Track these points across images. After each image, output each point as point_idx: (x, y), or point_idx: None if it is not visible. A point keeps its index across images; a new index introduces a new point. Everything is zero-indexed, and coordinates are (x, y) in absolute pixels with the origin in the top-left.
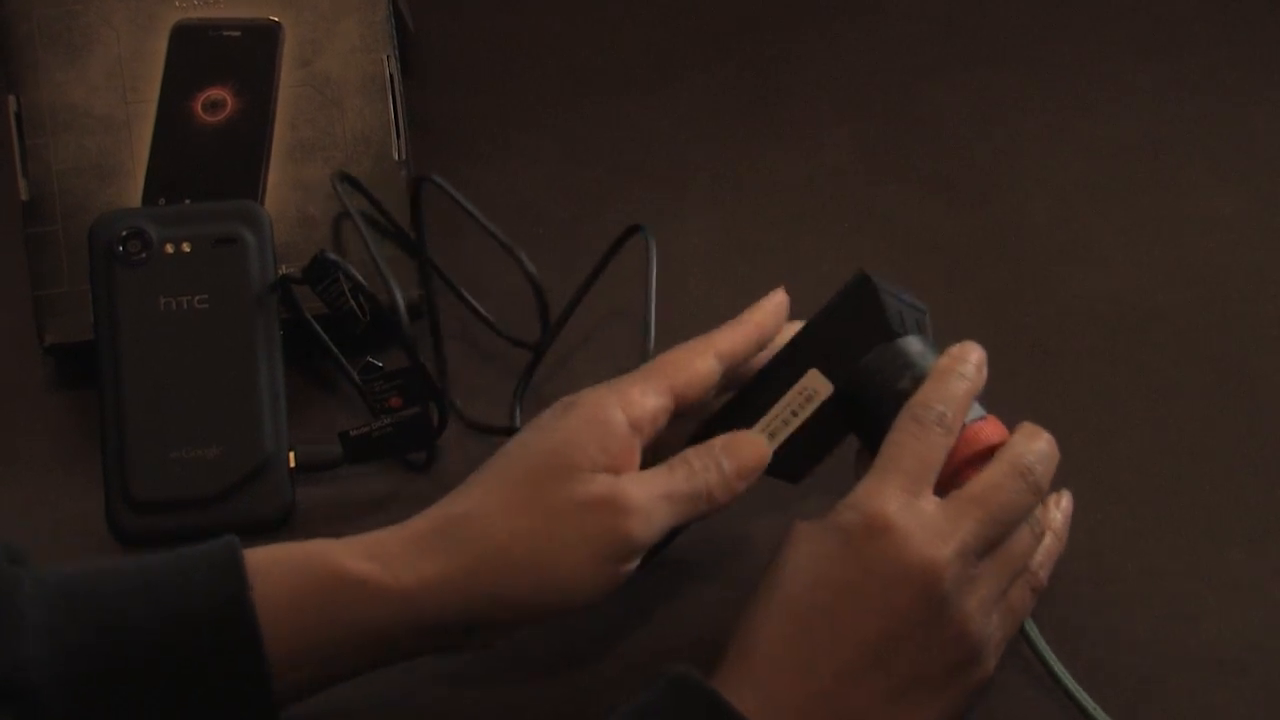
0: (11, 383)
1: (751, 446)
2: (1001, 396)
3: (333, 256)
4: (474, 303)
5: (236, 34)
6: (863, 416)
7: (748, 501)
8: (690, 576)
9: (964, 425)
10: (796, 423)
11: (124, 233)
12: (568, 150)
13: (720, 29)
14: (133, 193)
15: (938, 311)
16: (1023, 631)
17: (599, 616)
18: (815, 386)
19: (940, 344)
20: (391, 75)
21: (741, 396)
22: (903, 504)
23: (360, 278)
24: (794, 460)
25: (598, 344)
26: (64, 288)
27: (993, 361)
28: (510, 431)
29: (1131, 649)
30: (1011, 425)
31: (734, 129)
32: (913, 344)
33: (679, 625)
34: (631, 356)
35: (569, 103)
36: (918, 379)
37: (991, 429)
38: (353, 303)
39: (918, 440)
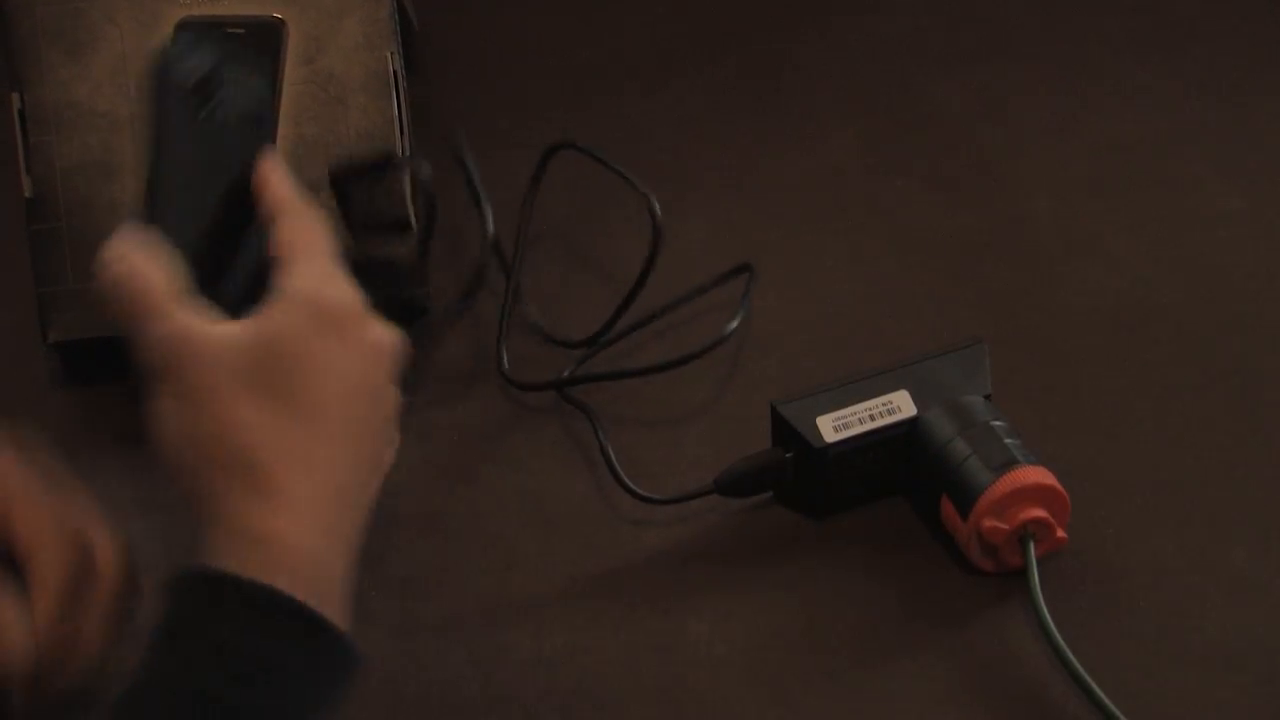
0: (15, 380)
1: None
2: (1004, 394)
3: (408, 158)
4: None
5: (240, 31)
6: (920, 454)
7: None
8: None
9: (1014, 466)
10: (868, 427)
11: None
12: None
13: (722, 26)
14: (136, 190)
15: (940, 308)
16: (1041, 624)
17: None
18: (901, 404)
19: (942, 339)
20: (395, 73)
21: (830, 392)
22: None
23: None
24: (838, 475)
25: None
26: (67, 285)
27: (996, 357)
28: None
29: (1134, 646)
30: (1020, 422)
31: (736, 126)
32: (986, 410)
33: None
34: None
35: (571, 100)
36: (968, 436)
37: (1037, 472)
38: (409, 209)
39: None
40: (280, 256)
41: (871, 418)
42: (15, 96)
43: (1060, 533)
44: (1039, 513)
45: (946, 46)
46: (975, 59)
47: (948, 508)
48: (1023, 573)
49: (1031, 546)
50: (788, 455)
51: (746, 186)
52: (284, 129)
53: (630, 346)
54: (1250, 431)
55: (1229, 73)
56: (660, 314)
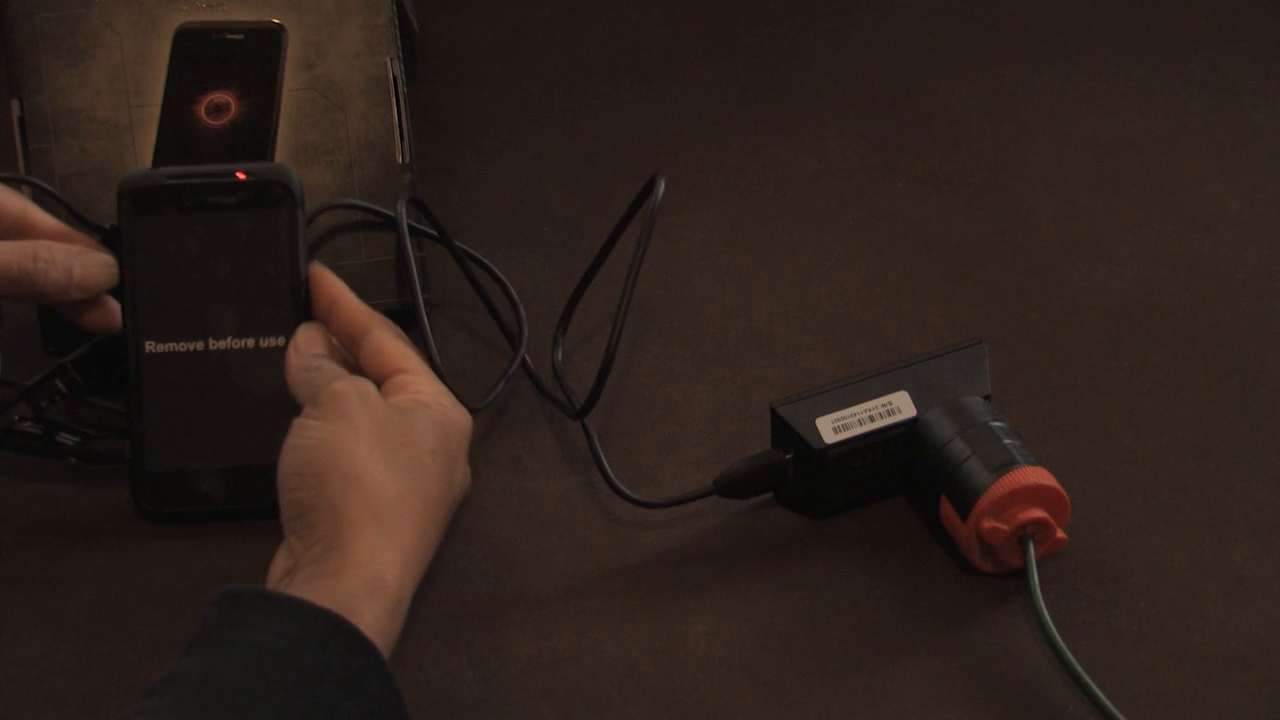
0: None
1: (100, 267)
2: (1007, 392)
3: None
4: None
5: (240, 37)
6: (919, 455)
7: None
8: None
9: (1013, 466)
10: (868, 428)
11: None
12: (573, 147)
13: (724, 23)
14: None
15: (940, 308)
16: (1042, 627)
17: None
18: (900, 405)
19: (942, 339)
20: (395, 78)
21: (830, 392)
22: None
23: None
24: (838, 476)
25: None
26: None
27: (997, 357)
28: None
29: (1134, 646)
30: (1020, 422)
31: (738, 123)
32: (986, 410)
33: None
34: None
35: (574, 99)
36: (968, 436)
37: (1037, 473)
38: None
39: None
40: (393, 365)
41: (871, 419)
42: (15, 103)
43: (1060, 533)
44: (1038, 513)
45: (948, 45)
46: (977, 58)
47: (947, 508)
48: (1022, 573)
49: (1031, 547)
50: (787, 456)
51: (747, 184)
52: (284, 136)
53: (631, 345)
54: (1250, 431)
55: (1231, 72)
56: (594, 271)
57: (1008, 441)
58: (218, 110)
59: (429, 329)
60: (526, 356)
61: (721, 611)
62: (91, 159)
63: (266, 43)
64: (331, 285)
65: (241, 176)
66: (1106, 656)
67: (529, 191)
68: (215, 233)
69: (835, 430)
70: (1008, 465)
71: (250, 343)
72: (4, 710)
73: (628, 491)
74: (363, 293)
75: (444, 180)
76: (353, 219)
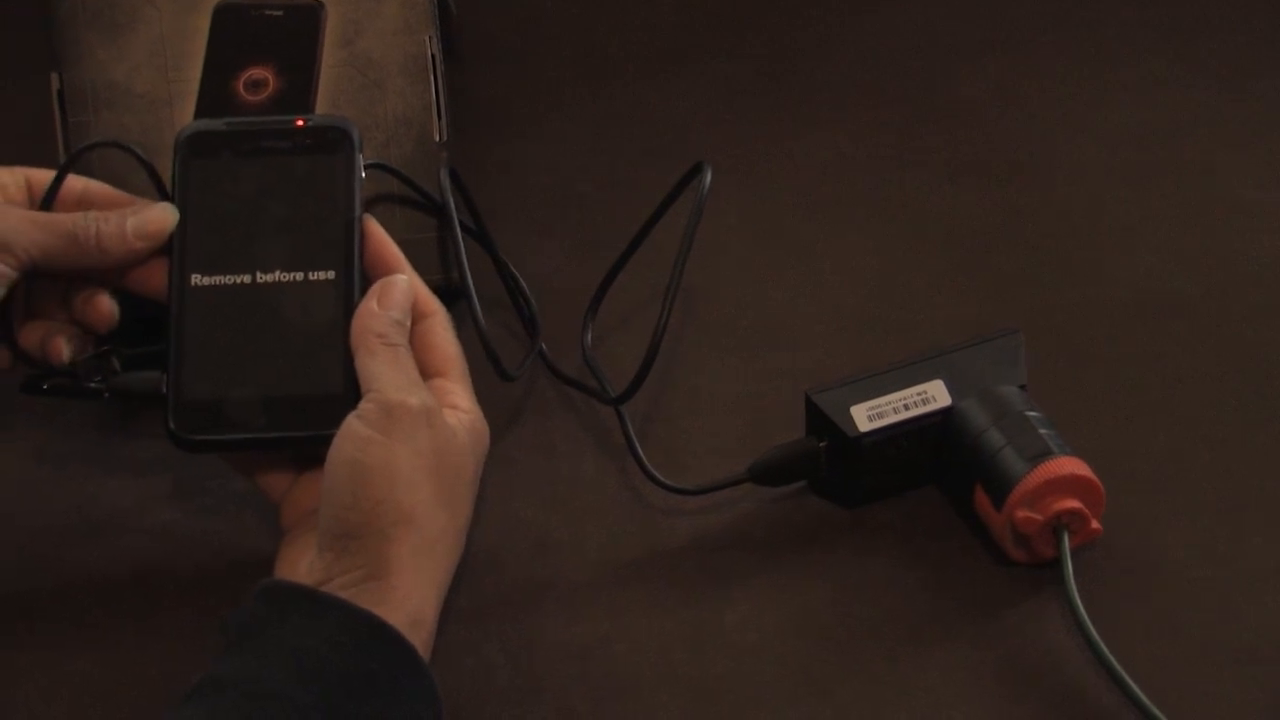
0: None
1: (160, 212)
2: (1036, 384)
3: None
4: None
5: (278, 13)
6: (954, 444)
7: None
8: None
9: (1049, 456)
10: (903, 416)
11: None
12: (601, 134)
13: (744, 13)
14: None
15: (958, 298)
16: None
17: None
18: (935, 394)
19: (958, 333)
20: (433, 56)
21: (865, 381)
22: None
23: None
24: (872, 464)
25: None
26: None
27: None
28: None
29: (1147, 638)
30: (1051, 414)
31: (757, 113)
32: (1021, 400)
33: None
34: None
35: (600, 86)
36: (1003, 425)
37: (1072, 463)
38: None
39: None
40: (437, 366)
41: (906, 407)
42: (54, 76)
43: (1095, 524)
44: (1073, 504)
45: (963, 36)
46: (997, 46)
47: (981, 498)
48: (1056, 564)
49: (1066, 537)
50: (822, 444)
51: (768, 172)
52: (321, 112)
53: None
54: (1270, 421)
55: (1246, 63)
56: (627, 257)
57: (1043, 431)
58: (256, 86)
59: (477, 305)
60: (543, 346)
61: (754, 599)
62: (129, 133)
63: (305, 19)
64: (387, 247)
65: (300, 123)
66: (1140, 648)
67: (557, 177)
68: (270, 173)
69: (870, 418)
70: (1043, 455)
71: (299, 276)
72: (24, 694)
73: (661, 478)
74: None
75: (474, 164)
76: (391, 195)
